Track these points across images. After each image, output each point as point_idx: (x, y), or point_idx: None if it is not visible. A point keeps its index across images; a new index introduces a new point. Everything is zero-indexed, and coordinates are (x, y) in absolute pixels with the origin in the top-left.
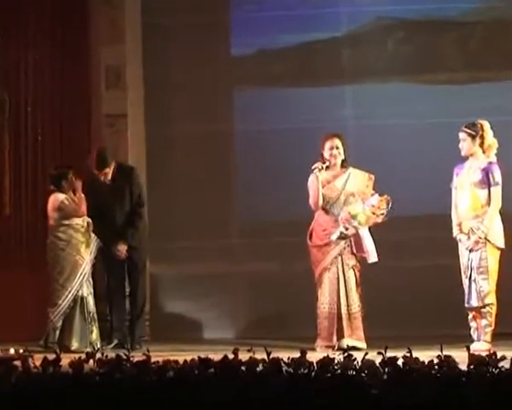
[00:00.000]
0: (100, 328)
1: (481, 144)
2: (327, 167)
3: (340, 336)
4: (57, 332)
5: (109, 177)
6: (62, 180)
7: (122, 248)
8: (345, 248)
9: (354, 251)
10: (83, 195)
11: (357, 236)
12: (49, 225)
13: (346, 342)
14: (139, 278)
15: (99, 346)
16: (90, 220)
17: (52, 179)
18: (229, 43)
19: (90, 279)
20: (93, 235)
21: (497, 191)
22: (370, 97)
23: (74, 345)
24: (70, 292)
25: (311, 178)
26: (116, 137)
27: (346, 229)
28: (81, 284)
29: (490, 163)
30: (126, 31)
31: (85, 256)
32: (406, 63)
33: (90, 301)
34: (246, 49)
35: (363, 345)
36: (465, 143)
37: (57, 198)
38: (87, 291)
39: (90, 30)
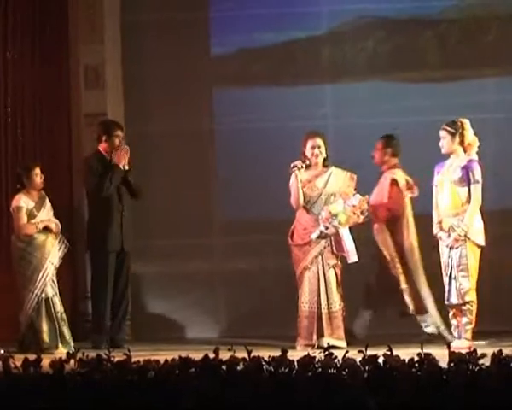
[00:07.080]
0: (81, 328)
1: (461, 142)
2: (308, 166)
3: (320, 335)
4: (28, 334)
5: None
6: (23, 178)
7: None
8: (325, 248)
9: (334, 251)
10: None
11: (337, 235)
12: (14, 224)
13: (326, 341)
14: (127, 279)
15: (72, 346)
16: (57, 221)
17: (16, 177)
18: (209, 42)
19: (55, 279)
20: (60, 235)
21: (477, 189)
22: (350, 96)
23: (45, 346)
24: (33, 293)
25: (292, 177)
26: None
27: (326, 228)
28: (44, 285)
29: (470, 161)
30: (105, 30)
31: (48, 257)
32: (386, 62)
33: (57, 301)
34: (226, 48)
35: (343, 344)
36: (445, 141)
37: (19, 198)
38: (52, 292)
39: (68, 29)
